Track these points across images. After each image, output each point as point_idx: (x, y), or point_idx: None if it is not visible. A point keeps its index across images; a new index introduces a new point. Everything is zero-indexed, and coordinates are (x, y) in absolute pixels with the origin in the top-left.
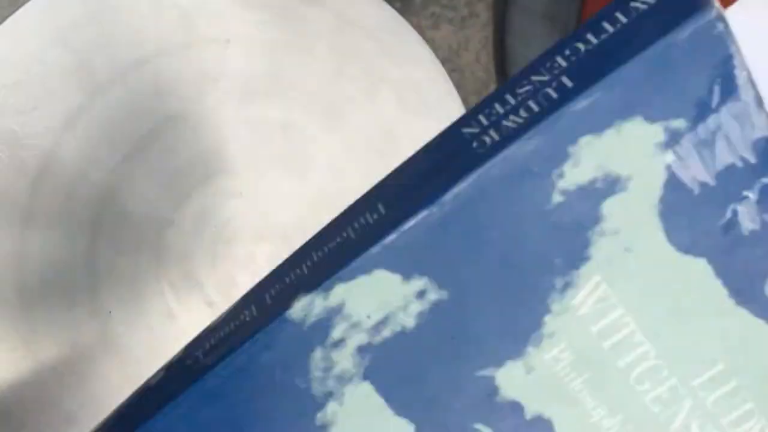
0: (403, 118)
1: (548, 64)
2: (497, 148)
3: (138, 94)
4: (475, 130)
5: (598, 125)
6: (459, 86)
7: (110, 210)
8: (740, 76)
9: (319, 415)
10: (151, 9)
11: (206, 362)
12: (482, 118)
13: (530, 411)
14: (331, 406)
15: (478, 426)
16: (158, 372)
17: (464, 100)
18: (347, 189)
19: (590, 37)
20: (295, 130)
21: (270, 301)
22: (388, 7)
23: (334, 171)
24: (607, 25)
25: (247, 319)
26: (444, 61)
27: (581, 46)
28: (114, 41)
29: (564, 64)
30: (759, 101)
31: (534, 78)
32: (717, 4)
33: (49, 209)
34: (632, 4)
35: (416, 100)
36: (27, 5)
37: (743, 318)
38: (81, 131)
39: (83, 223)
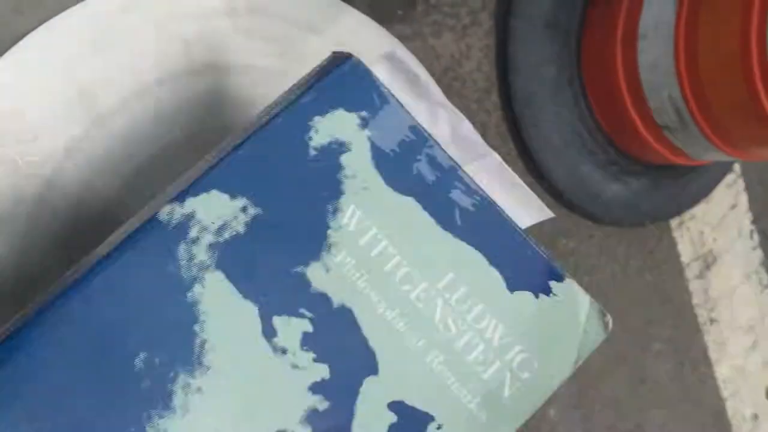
0: None
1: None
2: (272, 117)
3: (139, 123)
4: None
5: (319, 111)
6: (460, 95)
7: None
8: (386, 92)
9: (188, 294)
10: (155, 39)
11: (104, 252)
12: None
13: (336, 302)
14: (197, 287)
15: (302, 310)
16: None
17: (466, 108)
18: None
19: (302, 82)
20: None
21: (148, 210)
22: (386, 32)
23: None
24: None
25: (130, 227)
26: (446, 70)
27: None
28: (117, 71)
29: (294, 89)
30: (401, 105)
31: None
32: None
33: (47, 237)
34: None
35: None
36: (32, 33)
37: (450, 240)
38: (81, 160)
39: (82, 251)
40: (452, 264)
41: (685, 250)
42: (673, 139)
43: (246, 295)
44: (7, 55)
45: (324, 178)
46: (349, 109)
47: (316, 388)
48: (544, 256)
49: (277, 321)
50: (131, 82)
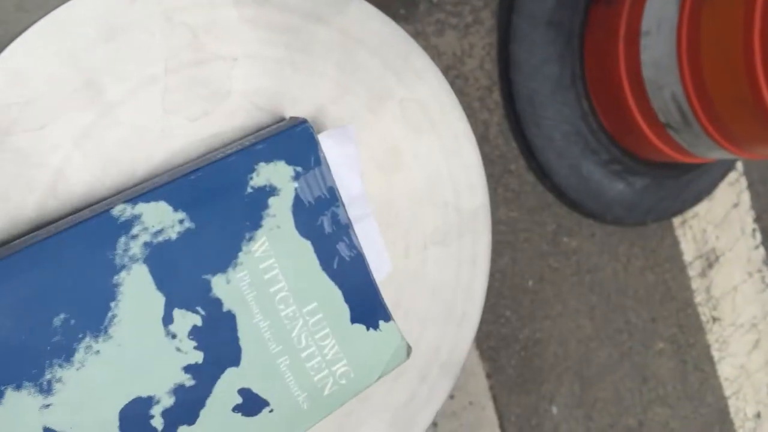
0: (407, 134)
1: (243, 139)
2: (225, 155)
3: (147, 113)
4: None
5: (266, 159)
6: (463, 93)
7: None
8: (322, 156)
9: (115, 277)
10: (161, 29)
11: (55, 231)
12: (224, 149)
13: (225, 307)
14: (123, 273)
15: (198, 308)
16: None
17: (468, 106)
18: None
19: (263, 131)
20: None
21: (100, 208)
22: (393, 23)
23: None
24: (261, 131)
25: (84, 215)
26: (448, 68)
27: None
28: (124, 60)
29: (251, 137)
30: (329, 169)
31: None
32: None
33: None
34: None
35: (421, 116)
36: (39, 23)
37: (324, 278)
38: (90, 149)
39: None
40: (318, 296)
41: (688, 249)
42: (676, 138)
43: (159, 287)
44: (14, 44)
45: (250, 212)
46: (288, 162)
47: (188, 368)
48: (383, 302)
49: (177, 313)
50: (139, 71)
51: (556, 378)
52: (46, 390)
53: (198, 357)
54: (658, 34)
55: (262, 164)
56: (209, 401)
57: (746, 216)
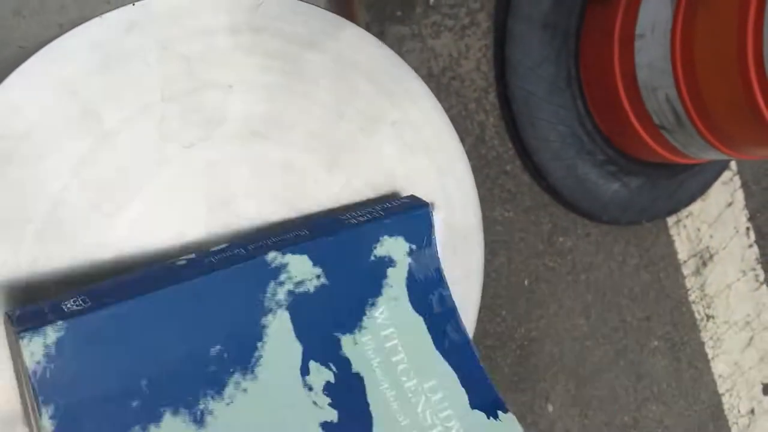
0: (401, 155)
1: (369, 208)
2: (359, 224)
3: (143, 140)
4: (348, 216)
5: (390, 233)
6: (459, 94)
7: (110, 253)
8: (434, 239)
9: (263, 318)
10: (157, 58)
11: (218, 264)
12: (353, 213)
13: (354, 368)
14: (270, 316)
15: (331, 364)
16: (180, 259)
17: (464, 108)
18: None
19: (388, 204)
20: (296, 170)
21: (252, 248)
22: (386, 47)
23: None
24: (387, 204)
25: (238, 252)
26: (444, 69)
27: (367, 211)
28: (122, 90)
29: (378, 207)
30: (437, 252)
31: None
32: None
33: (53, 253)
34: (387, 203)
35: (414, 139)
36: (36, 55)
37: (438, 357)
38: (87, 177)
39: (83, 266)
40: (436, 374)
41: (682, 248)
42: (670, 139)
43: (298, 335)
44: (12, 76)
45: (373, 279)
46: (407, 239)
47: (325, 425)
48: (497, 392)
49: (313, 364)
50: (136, 100)
51: (551, 376)
52: (199, 420)
53: (333, 415)
54: (652, 36)
55: (386, 237)
56: None
57: (740, 215)
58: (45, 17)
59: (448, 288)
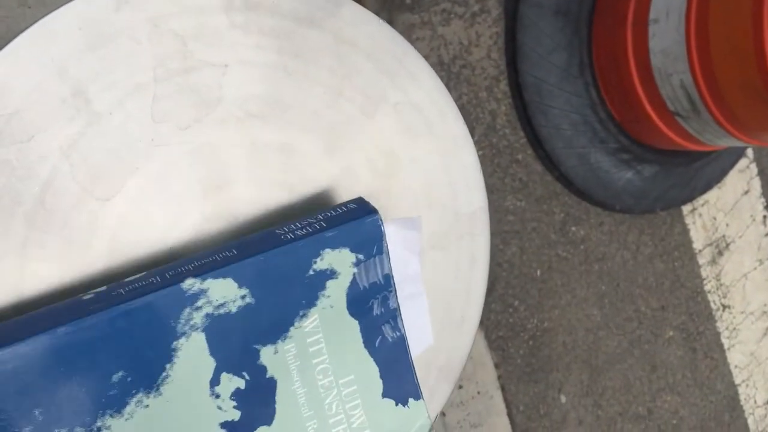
0: (403, 137)
1: (310, 219)
2: (296, 240)
3: (135, 122)
4: (285, 230)
5: (333, 246)
6: (470, 82)
7: (103, 238)
8: (384, 246)
9: (174, 342)
10: (149, 36)
11: (126, 296)
12: (291, 227)
13: (269, 373)
14: (182, 340)
15: (244, 373)
16: (88, 293)
17: (475, 96)
18: None
19: (331, 212)
20: (295, 152)
21: (169, 276)
22: (387, 26)
23: (335, 192)
24: (330, 213)
25: (152, 281)
26: (454, 58)
27: (326, 214)
28: (112, 69)
29: (320, 217)
30: (388, 257)
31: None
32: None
33: (44, 239)
34: (340, 207)
35: (416, 119)
36: (25, 33)
37: (364, 354)
38: (77, 160)
39: (76, 251)
40: (356, 369)
41: (698, 236)
42: (685, 126)
43: (212, 353)
44: (0, 55)
45: (308, 292)
46: (353, 250)
47: (225, 424)
48: (416, 381)
49: (224, 376)
50: (127, 79)
51: (564, 367)
52: None
53: (235, 415)
54: (666, 21)
55: (328, 251)
56: None
57: (757, 203)
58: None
59: (394, 289)
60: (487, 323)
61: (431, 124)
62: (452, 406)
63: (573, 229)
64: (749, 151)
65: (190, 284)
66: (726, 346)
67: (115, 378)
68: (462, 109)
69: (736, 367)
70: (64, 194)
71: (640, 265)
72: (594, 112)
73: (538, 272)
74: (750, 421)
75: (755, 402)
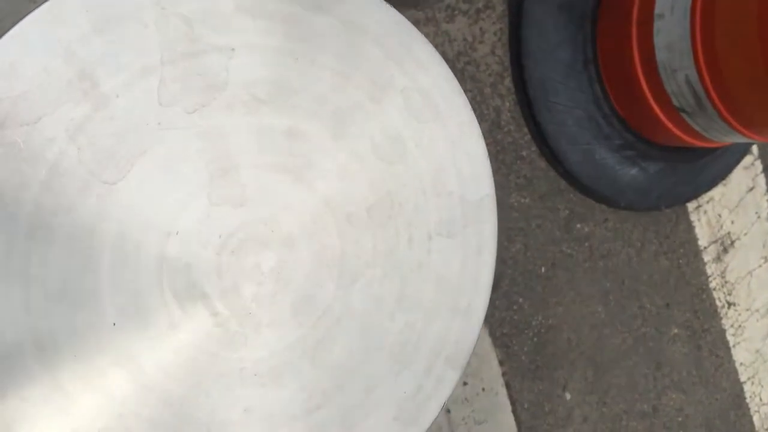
0: (410, 123)
1: None
2: None
3: (142, 105)
4: None
5: None
6: (474, 79)
7: (111, 222)
8: None
9: None
10: (156, 20)
11: None
12: None
13: None
14: None
15: None
16: None
17: (480, 92)
18: (354, 195)
19: None
20: (301, 137)
21: None
22: (395, 12)
23: (341, 178)
24: None
25: None
26: (459, 54)
27: None
28: (119, 52)
29: None
30: None
31: None
32: None
33: (51, 223)
34: None
35: (424, 105)
36: (31, 15)
37: None
38: (84, 143)
39: (84, 235)
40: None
41: (703, 234)
42: (691, 122)
43: None
44: (5, 37)
45: None
46: None
47: None
48: None
49: None
50: (134, 62)
51: (569, 364)
52: None
53: None
54: (671, 16)
55: None
56: None
57: (762, 200)
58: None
59: None
60: (492, 320)
61: (438, 110)
62: (457, 402)
63: (578, 226)
64: (754, 148)
65: None
66: (731, 344)
67: None
68: None
69: (741, 364)
70: (72, 179)
71: (644, 262)
72: (598, 108)
73: (543, 269)
74: (756, 418)
75: (761, 399)
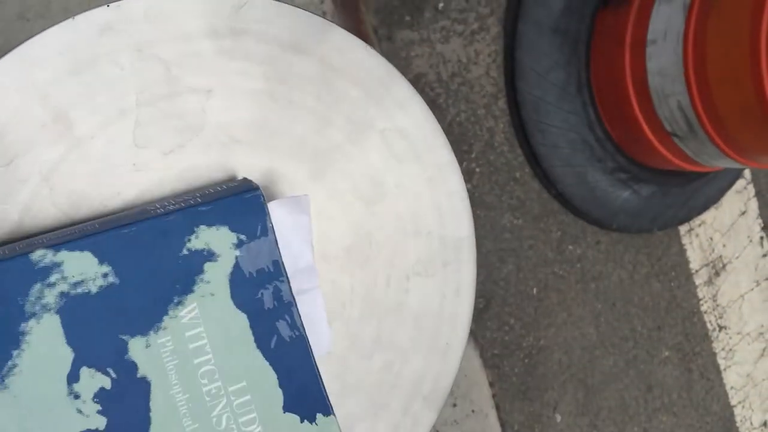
0: (390, 163)
1: (186, 196)
2: (167, 214)
3: (117, 147)
4: (157, 206)
5: (209, 222)
6: (468, 100)
7: None
8: (270, 226)
9: (22, 325)
10: (132, 62)
11: None
12: (163, 202)
13: (140, 372)
14: (32, 322)
15: (109, 369)
16: None
17: (473, 114)
18: (333, 235)
19: (211, 190)
20: (280, 177)
21: (18, 248)
22: (375, 53)
23: (321, 218)
24: (209, 190)
25: (4, 252)
26: (453, 75)
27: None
28: (94, 94)
29: (197, 194)
30: (275, 241)
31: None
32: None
33: None
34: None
35: (404, 147)
36: (6, 57)
37: (258, 357)
38: (58, 184)
39: None
40: (249, 375)
41: (694, 257)
42: (683, 147)
43: (69, 341)
44: None
45: (182, 275)
46: (233, 229)
47: None
48: (324, 393)
49: (84, 371)
50: (109, 105)
51: (560, 386)
52: None
53: (100, 423)
54: (664, 42)
55: (203, 227)
56: None
57: (753, 224)
58: (49, 20)
59: (286, 280)
60: (483, 341)
61: (418, 151)
62: (447, 424)
63: (570, 247)
64: (746, 172)
65: (41, 255)
66: (722, 367)
67: None
68: (460, 126)
69: (732, 388)
70: (44, 219)
71: (636, 285)
72: (591, 131)
73: (535, 290)
74: None
75: (751, 424)
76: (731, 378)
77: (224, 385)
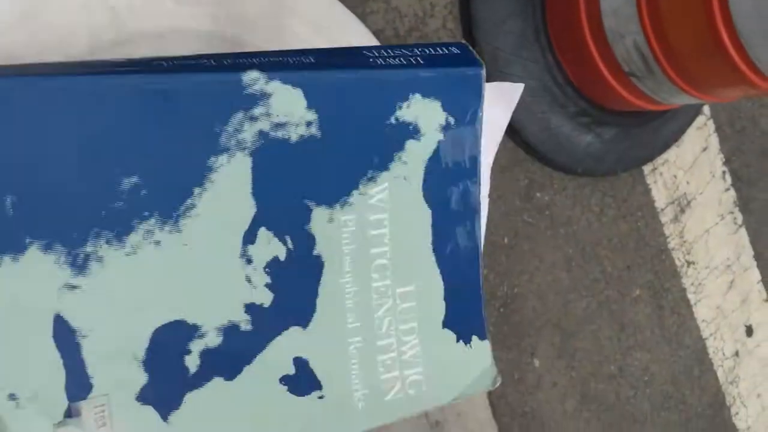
0: None
1: (405, 50)
2: (387, 67)
3: None
4: (374, 53)
5: (425, 92)
6: None
7: None
8: (480, 115)
9: (211, 158)
10: (81, 8)
11: (169, 69)
12: (380, 51)
13: (317, 249)
14: (223, 158)
15: (287, 238)
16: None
17: None
18: None
19: (427, 51)
20: None
21: (227, 63)
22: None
23: None
24: (429, 50)
25: (204, 63)
26: (411, 30)
27: (428, 51)
28: (43, 43)
29: (417, 52)
30: (480, 134)
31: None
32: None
33: None
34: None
35: None
36: None
37: (431, 261)
38: None
39: None
40: (419, 279)
41: (659, 195)
42: (641, 86)
43: (255, 193)
44: None
45: (383, 148)
46: (445, 108)
47: (250, 308)
48: (483, 316)
49: (263, 233)
50: (59, 54)
51: (536, 332)
52: (79, 265)
53: (266, 298)
54: None
55: (417, 97)
56: (258, 359)
57: (715, 159)
58: None
59: (478, 183)
60: None
61: None
62: None
63: (537, 195)
64: (706, 109)
65: (253, 79)
66: (692, 302)
67: (126, 184)
68: None
69: (703, 321)
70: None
71: (604, 227)
72: (552, 77)
73: (506, 239)
74: (719, 372)
75: (723, 354)
76: (702, 311)
77: (393, 284)
